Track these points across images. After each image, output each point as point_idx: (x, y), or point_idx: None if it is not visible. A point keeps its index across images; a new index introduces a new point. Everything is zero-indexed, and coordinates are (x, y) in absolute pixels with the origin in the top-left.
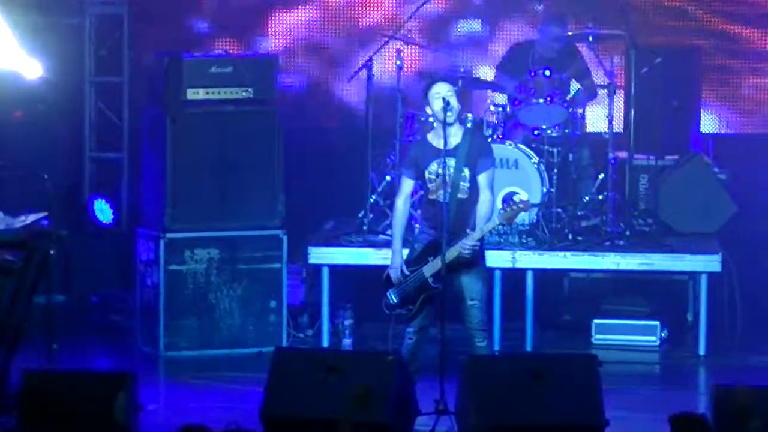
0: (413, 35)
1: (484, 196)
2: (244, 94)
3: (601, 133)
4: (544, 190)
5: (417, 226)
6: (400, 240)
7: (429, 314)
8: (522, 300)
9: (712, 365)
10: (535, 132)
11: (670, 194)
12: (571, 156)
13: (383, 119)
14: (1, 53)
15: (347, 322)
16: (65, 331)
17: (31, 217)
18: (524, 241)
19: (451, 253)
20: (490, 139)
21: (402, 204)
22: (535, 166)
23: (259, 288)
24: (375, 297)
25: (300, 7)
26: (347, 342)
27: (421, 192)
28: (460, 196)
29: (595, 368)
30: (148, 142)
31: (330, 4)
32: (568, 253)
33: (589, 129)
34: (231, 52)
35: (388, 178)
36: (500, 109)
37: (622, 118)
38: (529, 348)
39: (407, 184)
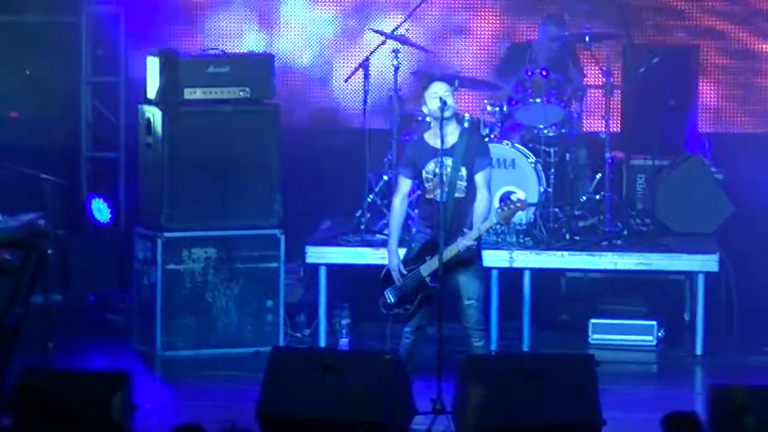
0: (410, 35)
1: (481, 195)
2: (241, 93)
3: (598, 132)
4: (542, 189)
5: (414, 225)
6: (397, 239)
7: (426, 314)
8: (519, 299)
9: (708, 365)
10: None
11: (668, 194)
12: (568, 156)
13: (380, 119)
14: None
15: (344, 322)
16: (62, 330)
17: (29, 217)
18: (521, 240)
19: (449, 253)
20: (487, 139)
21: (399, 203)
22: (533, 165)
23: (256, 287)
24: (372, 296)
25: (298, 6)
26: (344, 341)
27: (419, 192)
28: (457, 195)
29: (592, 368)
30: (144, 141)
31: (328, 3)
32: (565, 253)
33: (586, 129)
34: (228, 51)
35: (385, 177)
36: (497, 108)
37: (619, 118)
38: (526, 348)
39: (404, 184)
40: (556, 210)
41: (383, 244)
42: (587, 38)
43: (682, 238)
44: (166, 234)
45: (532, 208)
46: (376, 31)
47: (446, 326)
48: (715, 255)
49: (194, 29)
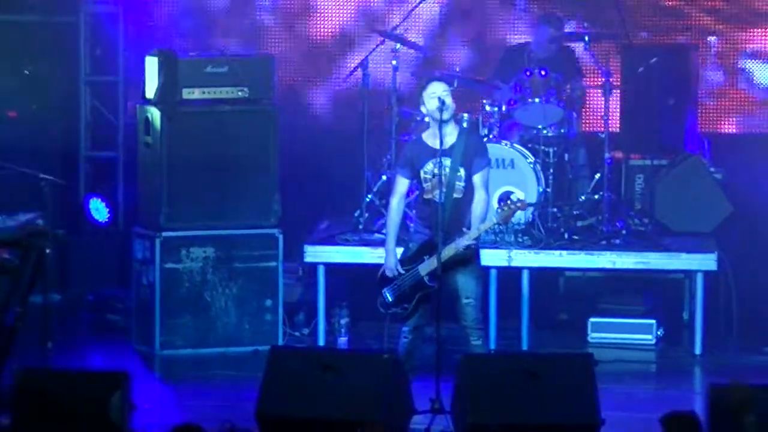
0: (409, 35)
1: (479, 195)
2: (239, 93)
3: (596, 132)
4: (540, 189)
5: (412, 225)
6: (395, 239)
7: (425, 313)
8: (518, 299)
9: (707, 364)
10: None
11: (666, 194)
12: (567, 156)
13: (379, 118)
14: None
15: (343, 321)
16: (61, 329)
17: (27, 216)
18: (520, 240)
19: (447, 252)
20: (486, 139)
21: (396, 204)
22: (531, 165)
23: (254, 287)
24: (371, 296)
25: (296, 6)
26: (343, 340)
27: (417, 192)
28: (455, 195)
29: (590, 367)
30: (143, 141)
31: (327, 3)
32: (564, 252)
33: (585, 129)
34: (226, 51)
35: (384, 177)
36: (496, 108)
37: (618, 118)
38: (524, 347)
39: (402, 184)
40: (555, 210)
41: (381, 243)
42: (586, 38)
43: (681, 238)
44: (165, 233)
45: (531, 208)
46: (375, 31)
47: (444, 326)
48: (714, 254)
49: (193, 29)
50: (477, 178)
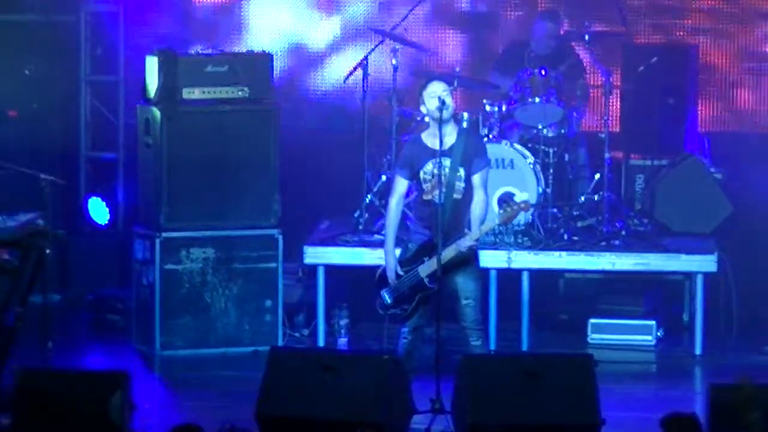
0: (409, 34)
1: (478, 196)
2: (239, 93)
3: (596, 132)
4: (540, 190)
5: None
6: (394, 240)
7: (424, 314)
8: (518, 300)
9: (708, 365)
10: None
11: (666, 194)
12: (566, 156)
13: (379, 118)
14: None
15: (343, 322)
16: (61, 329)
17: (28, 216)
18: (520, 241)
19: (448, 254)
20: (485, 139)
21: (395, 204)
22: (531, 165)
23: (254, 287)
24: (370, 297)
25: (296, 6)
26: (343, 341)
27: (415, 193)
28: (455, 196)
29: (590, 368)
30: (143, 141)
31: (328, 2)
32: (563, 253)
33: (585, 128)
34: (226, 51)
35: (383, 177)
36: (496, 108)
37: (618, 118)
38: (524, 348)
39: (401, 184)
40: (555, 210)
41: (381, 244)
42: (587, 37)
43: (681, 238)
44: (165, 234)
45: (531, 209)
46: (375, 30)
47: (444, 326)
48: (714, 255)
49: (193, 29)
50: (476, 179)
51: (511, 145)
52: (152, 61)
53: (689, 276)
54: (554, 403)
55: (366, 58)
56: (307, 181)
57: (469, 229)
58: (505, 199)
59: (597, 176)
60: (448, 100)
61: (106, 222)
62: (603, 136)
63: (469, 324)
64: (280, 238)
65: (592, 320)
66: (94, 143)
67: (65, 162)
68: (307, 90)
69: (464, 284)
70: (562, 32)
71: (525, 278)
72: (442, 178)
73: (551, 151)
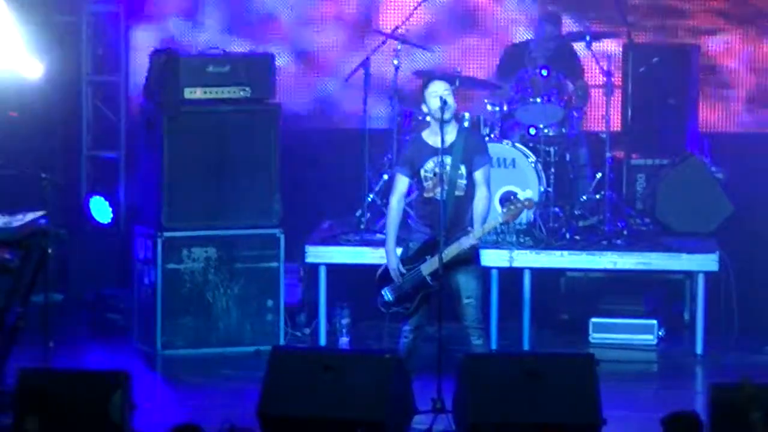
0: (411, 35)
1: (480, 193)
2: (241, 93)
3: (598, 132)
4: (542, 189)
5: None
6: (395, 239)
7: (426, 313)
8: (519, 299)
9: (709, 364)
10: (532, 131)
11: (668, 193)
12: (568, 155)
13: (380, 118)
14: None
15: (344, 321)
16: (62, 329)
17: (29, 216)
18: (521, 240)
19: (450, 252)
20: (487, 138)
21: (396, 203)
22: (533, 165)
23: (256, 287)
24: (372, 296)
25: (297, 5)
26: (344, 341)
27: (416, 191)
28: (457, 193)
29: (592, 367)
30: (145, 140)
31: (329, 1)
32: (565, 252)
33: (586, 128)
34: (228, 51)
35: (385, 176)
36: (497, 108)
37: (620, 117)
38: (526, 347)
39: (402, 183)
40: (556, 209)
41: (383, 243)
42: (588, 37)
43: (682, 238)
44: (166, 233)
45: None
46: (377, 31)
47: (446, 325)
48: (715, 254)
49: (194, 28)
50: (478, 175)
51: (513, 145)
52: (154, 61)
53: (690, 275)
54: (555, 402)
55: (368, 58)
56: (309, 180)
57: (471, 225)
58: (508, 198)
59: (598, 176)
60: (450, 100)
61: (108, 221)
62: (604, 135)
63: (471, 323)
64: (282, 237)
65: (594, 319)
66: (95, 143)
67: (67, 161)
68: (308, 90)
69: (466, 283)
70: (563, 33)
71: (526, 277)
72: (444, 175)
73: (552, 150)
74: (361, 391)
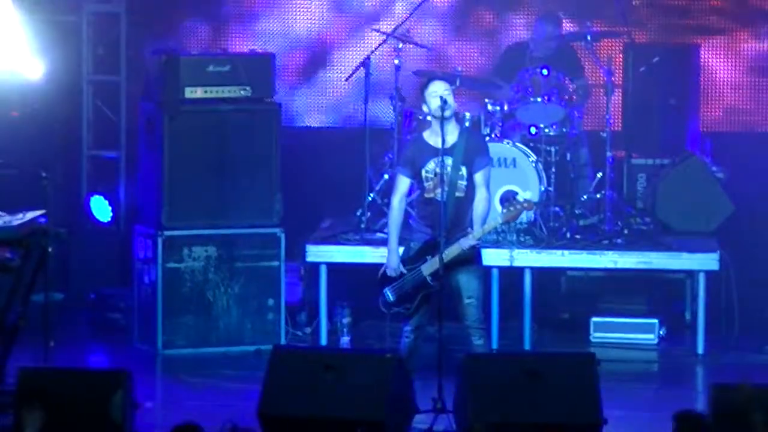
0: (411, 34)
1: (480, 194)
2: (241, 92)
3: (598, 131)
4: (542, 188)
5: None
6: (397, 239)
7: (426, 313)
8: (520, 298)
9: (710, 364)
10: (533, 131)
11: (668, 193)
12: (568, 155)
13: (381, 118)
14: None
15: (345, 320)
16: (62, 328)
17: (29, 215)
18: (522, 239)
19: (450, 253)
20: (487, 138)
21: (398, 203)
22: (533, 164)
23: (256, 286)
24: (373, 295)
25: (298, 5)
26: (345, 340)
27: (417, 191)
28: (457, 194)
29: (593, 366)
30: (145, 140)
31: (328, 1)
32: (566, 252)
33: (587, 128)
34: (228, 50)
35: (386, 176)
36: (498, 107)
37: (620, 117)
38: (527, 346)
39: (403, 183)
40: (557, 209)
41: (384, 242)
42: (588, 37)
43: (683, 237)
44: (167, 232)
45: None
46: (378, 30)
47: (446, 325)
48: (716, 254)
49: (195, 28)
50: (478, 177)
51: (514, 144)
52: (154, 60)
53: (691, 274)
54: (556, 401)
55: (368, 57)
56: (309, 179)
57: (471, 226)
58: (508, 198)
59: (599, 175)
60: (450, 100)
61: (108, 221)
62: (605, 135)
63: (472, 323)
64: (282, 236)
65: (594, 319)
66: (95, 142)
67: (67, 161)
68: (308, 90)
69: (467, 283)
70: (563, 33)
71: (527, 277)
72: (444, 176)
73: (553, 150)
74: (362, 390)
